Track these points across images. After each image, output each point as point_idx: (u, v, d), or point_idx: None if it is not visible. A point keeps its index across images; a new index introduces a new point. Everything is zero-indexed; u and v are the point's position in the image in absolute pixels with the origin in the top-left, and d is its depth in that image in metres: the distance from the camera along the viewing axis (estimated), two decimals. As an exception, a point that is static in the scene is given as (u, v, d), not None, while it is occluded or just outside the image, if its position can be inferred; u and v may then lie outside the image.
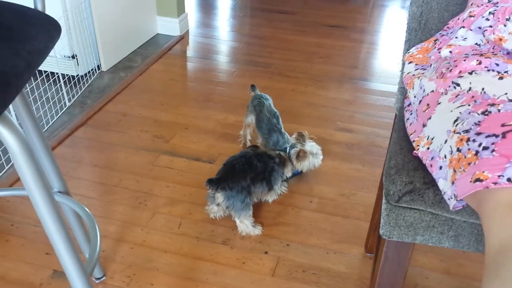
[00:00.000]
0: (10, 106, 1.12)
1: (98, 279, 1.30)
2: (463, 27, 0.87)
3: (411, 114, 0.88)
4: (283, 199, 1.62)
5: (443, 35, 0.96)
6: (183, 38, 2.85)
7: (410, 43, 1.06)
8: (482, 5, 0.87)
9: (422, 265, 1.38)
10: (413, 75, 0.90)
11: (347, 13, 3.35)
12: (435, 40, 0.98)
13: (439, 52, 0.89)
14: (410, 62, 0.96)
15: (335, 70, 2.52)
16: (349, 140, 1.94)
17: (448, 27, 0.97)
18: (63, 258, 0.84)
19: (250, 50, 2.74)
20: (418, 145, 0.78)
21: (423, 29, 1.02)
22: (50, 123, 1.96)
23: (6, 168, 1.68)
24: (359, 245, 1.44)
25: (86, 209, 1.07)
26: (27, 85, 1.78)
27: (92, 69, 2.34)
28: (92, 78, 2.32)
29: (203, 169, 1.75)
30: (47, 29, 0.78)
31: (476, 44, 0.85)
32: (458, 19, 0.92)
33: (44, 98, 2.03)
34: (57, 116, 2.01)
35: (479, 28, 0.85)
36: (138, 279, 1.31)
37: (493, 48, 0.83)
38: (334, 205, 1.60)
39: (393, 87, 2.35)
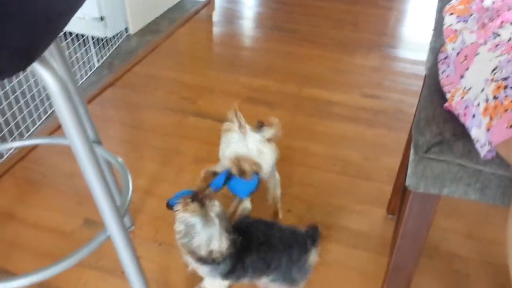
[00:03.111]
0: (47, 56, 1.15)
1: (127, 228, 1.35)
2: None
3: (448, 66, 0.88)
4: (306, 161, 1.63)
5: None
6: (209, 3, 2.83)
7: (443, 2, 1.04)
8: None
9: (443, 228, 1.39)
10: (456, 29, 0.89)
11: (376, -20, 3.27)
12: None
13: (482, 2, 0.87)
14: (451, 14, 0.94)
15: (363, 37, 2.48)
16: (375, 106, 1.93)
17: None
18: (100, 202, 0.86)
19: (276, 16, 2.72)
20: (453, 96, 0.77)
21: (459, -15, 1.00)
22: (79, 83, 2.00)
23: (38, 124, 1.74)
24: (381, 207, 1.46)
25: (119, 158, 1.11)
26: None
27: (120, 32, 2.36)
28: (120, 41, 2.34)
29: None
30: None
31: None
32: None
33: (73, 58, 2.07)
34: (86, 77, 2.05)
35: None
36: (165, 230, 1.36)
37: None
38: (357, 169, 1.61)
39: (421, 55, 2.30)
